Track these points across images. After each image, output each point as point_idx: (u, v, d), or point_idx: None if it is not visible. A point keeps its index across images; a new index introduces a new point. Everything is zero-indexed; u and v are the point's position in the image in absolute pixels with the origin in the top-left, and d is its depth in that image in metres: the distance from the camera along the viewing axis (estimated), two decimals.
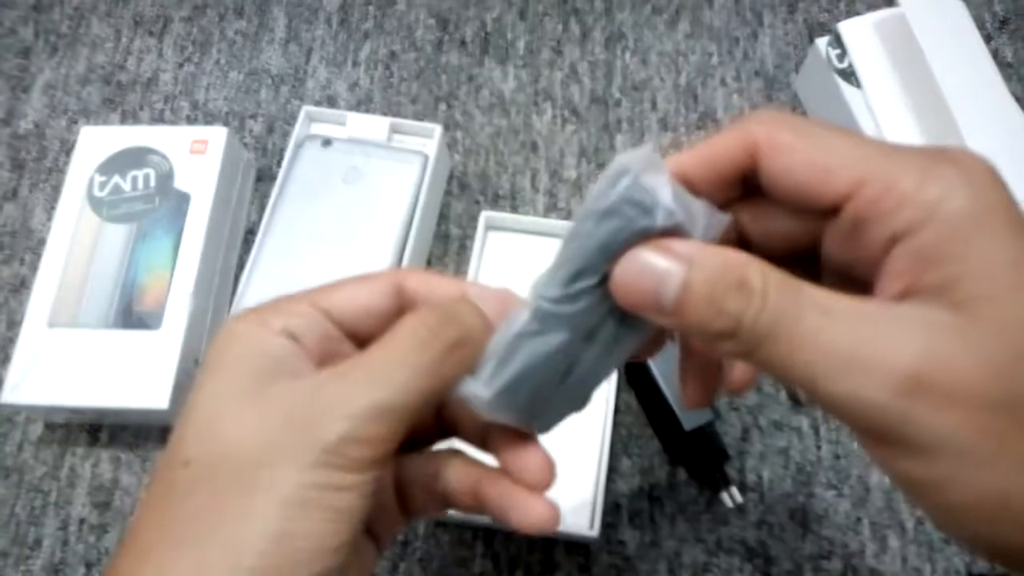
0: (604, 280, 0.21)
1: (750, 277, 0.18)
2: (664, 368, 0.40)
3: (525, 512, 0.24)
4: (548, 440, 0.38)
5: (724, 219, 0.20)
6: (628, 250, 0.20)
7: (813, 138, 0.20)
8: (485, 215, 0.43)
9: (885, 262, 0.18)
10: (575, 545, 0.40)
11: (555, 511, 0.23)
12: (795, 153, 0.19)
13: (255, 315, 0.22)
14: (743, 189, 0.22)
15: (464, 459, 0.25)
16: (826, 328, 0.17)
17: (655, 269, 0.19)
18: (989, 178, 0.18)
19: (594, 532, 0.36)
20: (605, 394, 0.39)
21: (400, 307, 0.23)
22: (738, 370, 0.25)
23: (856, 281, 0.20)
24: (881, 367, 0.17)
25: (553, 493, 0.37)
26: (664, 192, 0.19)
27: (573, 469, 0.38)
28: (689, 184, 0.21)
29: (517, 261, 0.43)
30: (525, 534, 0.24)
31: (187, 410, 0.21)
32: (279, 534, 0.19)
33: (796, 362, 0.18)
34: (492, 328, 0.22)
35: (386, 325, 0.22)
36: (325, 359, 0.22)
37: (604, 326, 0.22)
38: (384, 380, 0.20)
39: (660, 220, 0.19)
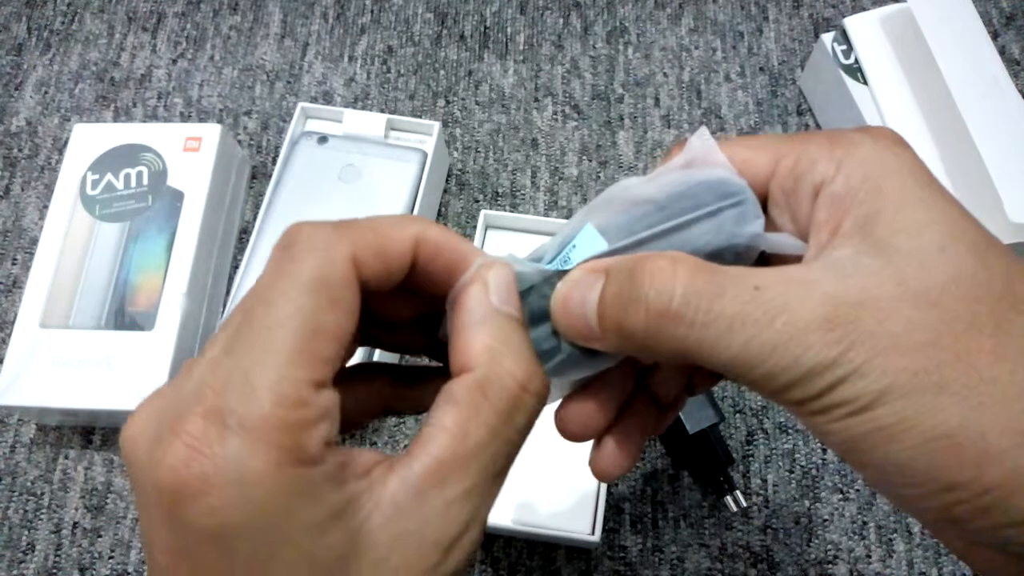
0: None
1: (661, 267, 0.18)
2: None
3: None
4: (549, 443, 0.38)
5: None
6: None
7: (735, 144, 0.21)
8: (484, 214, 0.43)
9: (812, 218, 0.19)
10: (576, 550, 0.39)
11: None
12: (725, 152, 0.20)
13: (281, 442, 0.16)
14: None
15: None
16: (753, 299, 0.17)
17: (580, 286, 0.19)
18: (892, 136, 0.19)
19: (595, 537, 0.36)
20: None
21: (413, 256, 0.20)
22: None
23: None
24: (809, 319, 0.17)
25: (553, 497, 0.37)
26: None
27: (574, 473, 0.37)
28: None
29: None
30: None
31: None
32: None
33: (725, 339, 0.17)
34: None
35: (398, 274, 0.19)
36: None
37: None
38: (479, 493, 0.18)
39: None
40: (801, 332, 0.16)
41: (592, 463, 0.24)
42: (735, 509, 0.39)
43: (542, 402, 0.19)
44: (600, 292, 0.19)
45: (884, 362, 0.16)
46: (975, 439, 0.16)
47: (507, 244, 0.43)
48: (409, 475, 0.17)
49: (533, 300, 0.21)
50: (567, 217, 0.47)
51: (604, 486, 0.37)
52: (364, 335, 0.22)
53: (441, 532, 0.17)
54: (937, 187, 0.18)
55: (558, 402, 0.23)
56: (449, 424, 0.18)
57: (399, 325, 0.22)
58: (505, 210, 0.47)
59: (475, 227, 0.43)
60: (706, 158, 0.20)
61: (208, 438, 0.15)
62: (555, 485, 0.37)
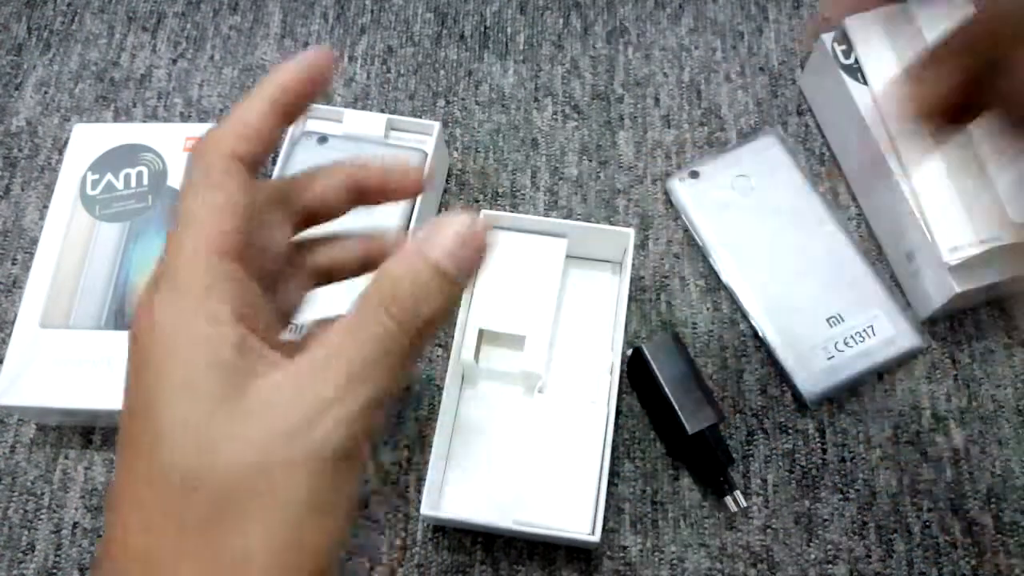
0: None
1: None
2: (668, 371, 0.39)
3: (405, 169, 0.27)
4: (549, 442, 0.38)
5: None
6: None
7: None
8: (483, 214, 0.43)
9: None
10: (576, 551, 0.39)
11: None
12: None
13: (187, 303, 0.21)
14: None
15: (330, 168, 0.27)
16: None
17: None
18: None
19: (595, 537, 0.36)
20: (606, 396, 0.39)
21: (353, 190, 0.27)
22: None
23: None
24: None
25: (553, 497, 0.37)
26: None
27: (574, 473, 0.37)
28: None
29: (517, 259, 0.42)
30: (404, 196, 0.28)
31: (159, 419, 0.20)
32: (290, 543, 0.20)
33: None
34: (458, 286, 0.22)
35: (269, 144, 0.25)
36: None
37: None
38: (365, 378, 0.20)
39: None
40: None
41: None
42: (735, 509, 0.39)
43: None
44: None
45: None
46: None
47: (506, 243, 0.43)
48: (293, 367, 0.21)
49: None
50: (567, 217, 0.47)
51: (604, 487, 0.37)
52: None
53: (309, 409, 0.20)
54: None
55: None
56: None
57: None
58: (505, 209, 0.47)
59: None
60: None
61: (147, 298, 0.21)
62: (555, 485, 0.37)
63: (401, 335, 0.21)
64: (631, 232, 0.42)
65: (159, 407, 0.20)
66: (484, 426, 0.40)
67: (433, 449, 0.38)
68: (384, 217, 0.42)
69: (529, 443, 0.38)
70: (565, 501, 0.37)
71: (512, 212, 0.46)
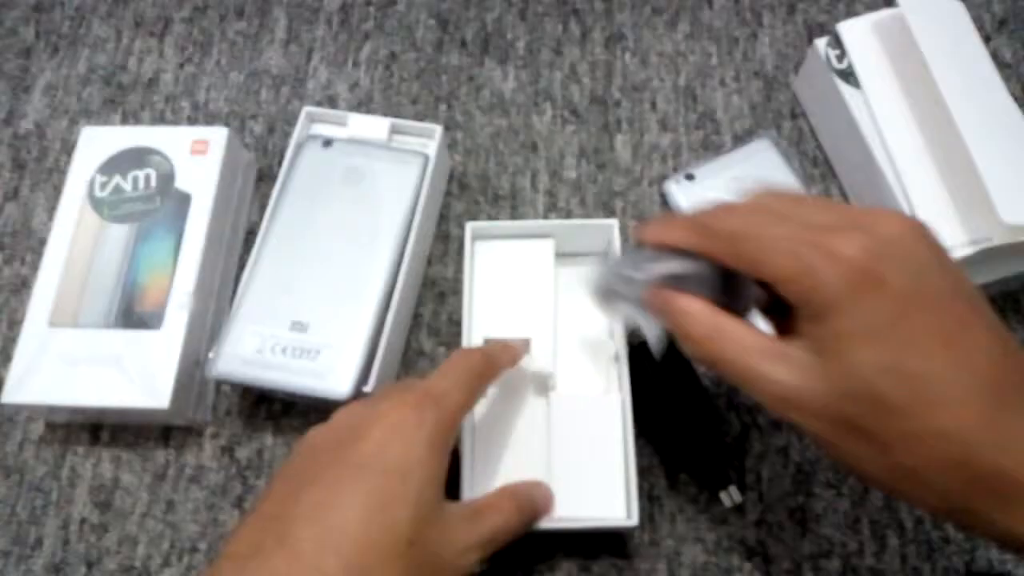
0: None
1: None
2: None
3: None
4: (569, 437, 0.38)
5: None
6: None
7: None
8: (470, 226, 0.43)
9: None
10: (574, 546, 0.40)
11: None
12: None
13: (437, 439, 0.31)
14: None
15: None
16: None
17: None
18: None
19: (633, 520, 0.36)
20: (617, 383, 0.39)
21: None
22: None
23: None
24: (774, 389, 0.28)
25: (581, 489, 0.37)
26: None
27: (598, 462, 0.38)
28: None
29: (509, 266, 0.43)
30: None
31: (413, 499, 0.29)
32: None
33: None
34: None
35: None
36: None
37: None
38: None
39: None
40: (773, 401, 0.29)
41: None
42: (730, 504, 0.39)
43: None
44: None
45: (811, 424, 0.28)
46: None
47: (496, 251, 0.43)
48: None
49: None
50: (567, 218, 0.48)
51: (634, 468, 0.37)
52: None
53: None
54: None
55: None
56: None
57: None
58: (506, 211, 0.48)
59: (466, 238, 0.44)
60: None
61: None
62: (581, 478, 0.38)
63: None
64: (614, 223, 0.42)
65: (414, 484, 0.30)
66: (503, 432, 0.40)
67: (462, 467, 0.38)
68: (383, 223, 0.42)
69: (549, 441, 0.39)
70: (594, 491, 0.37)
71: (495, 221, 0.46)
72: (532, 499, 0.36)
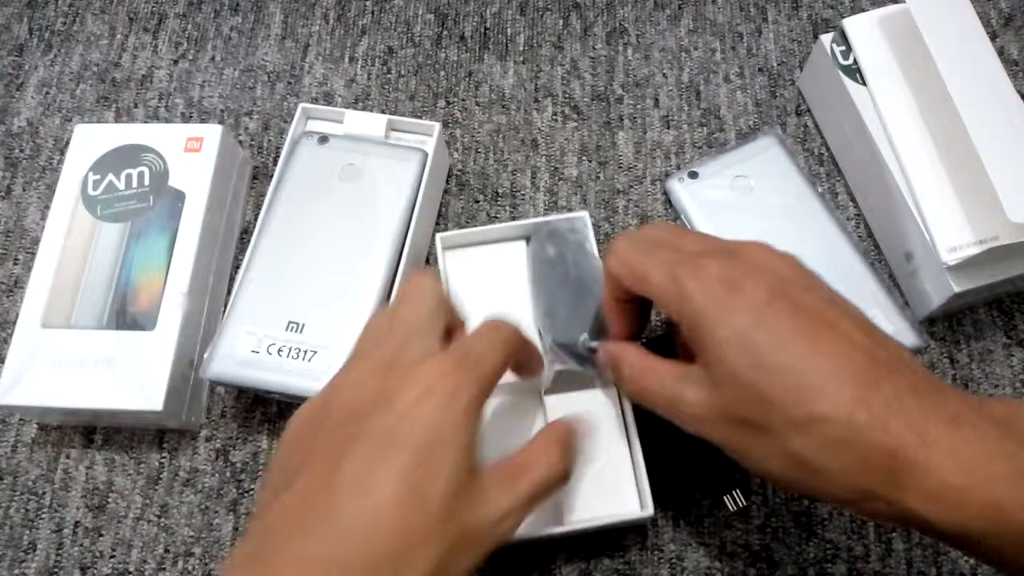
0: None
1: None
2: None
3: None
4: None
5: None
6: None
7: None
8: (440, 237, 0.42)
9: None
10: (576, 549, 0.39)
11: None
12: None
13: (469, 413, 0.28)
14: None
15: None
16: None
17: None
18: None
19: (648, 512, 0.36)
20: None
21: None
22: None
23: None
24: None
25: (589, 489, 0.37)
26: None
27: (602, 460, 0.38)
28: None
29: (487, 272, 0.43)
30: None
31: (447, 473, 0.27)
32: None
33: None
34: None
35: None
36: None
37: None
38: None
39: None
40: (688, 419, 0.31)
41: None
42: (734, 508, 0.39)
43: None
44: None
45: (709, 429, 0.30)
46: None
47: (467, 261, 0.43)
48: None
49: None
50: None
51: (641, 460, 0.37)
52: None
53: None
54: None
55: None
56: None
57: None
58: (506, 210, 0.47)
59: (465, 233, 0.43)
60: None
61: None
62: (588, 478, 0.37)
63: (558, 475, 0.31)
64: (585, 215, 0.42)
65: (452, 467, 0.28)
66: (502, 443, 0.39)
67: None
68: (381, 221, 0.42)
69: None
70: (604, 488, 0.37)
71: (464, 229, 0.44)
72: (578, 440, 0.32)
